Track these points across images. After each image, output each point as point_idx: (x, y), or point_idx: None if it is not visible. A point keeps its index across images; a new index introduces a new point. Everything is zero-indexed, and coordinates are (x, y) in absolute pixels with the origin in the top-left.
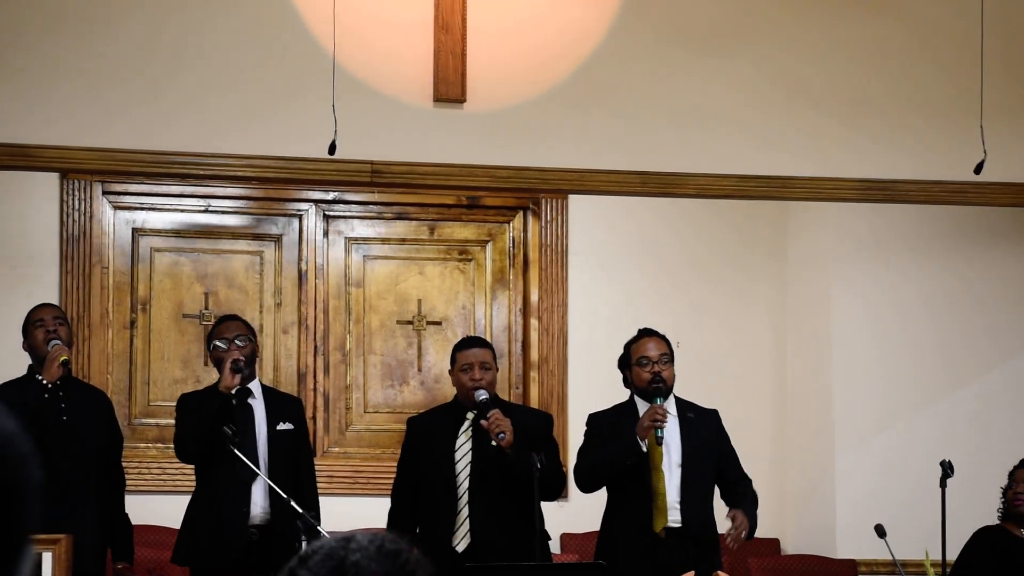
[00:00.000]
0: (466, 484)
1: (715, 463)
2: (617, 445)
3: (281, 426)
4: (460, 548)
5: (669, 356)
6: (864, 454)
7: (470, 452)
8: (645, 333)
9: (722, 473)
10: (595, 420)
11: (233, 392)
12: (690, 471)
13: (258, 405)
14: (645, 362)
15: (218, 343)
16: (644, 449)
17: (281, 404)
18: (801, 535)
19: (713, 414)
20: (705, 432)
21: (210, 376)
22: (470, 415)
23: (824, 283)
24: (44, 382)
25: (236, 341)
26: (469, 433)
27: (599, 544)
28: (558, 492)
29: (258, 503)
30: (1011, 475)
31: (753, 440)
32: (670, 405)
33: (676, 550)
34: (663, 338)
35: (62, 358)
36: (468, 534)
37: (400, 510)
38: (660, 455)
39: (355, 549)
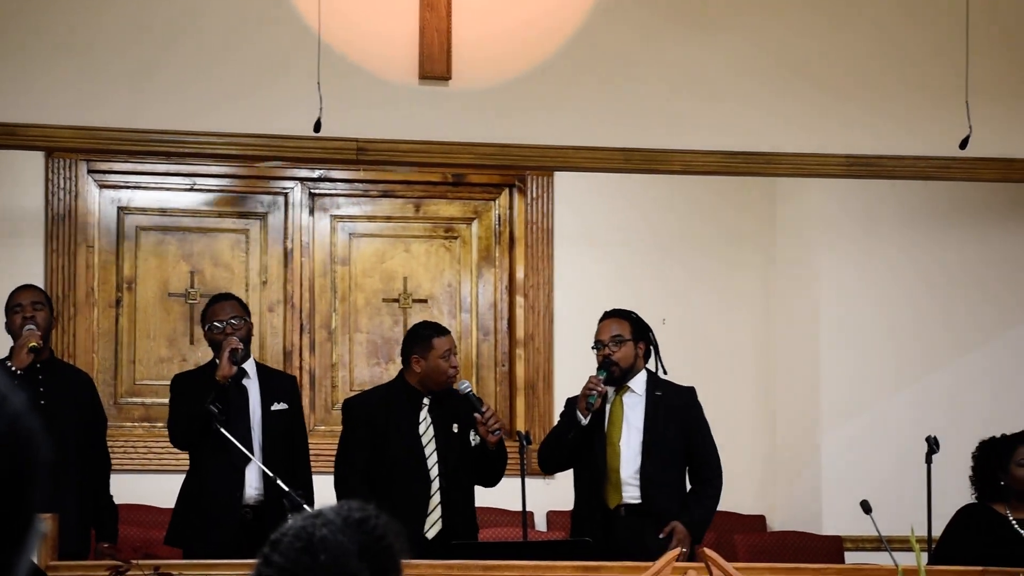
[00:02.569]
0: (436, 470)
1: (684, 442)
2: (563, 425)
3: (275, 406)
4: (431, 534)
5: (624, 337)
6: (850, 430)
7: (434, 438)
8: (605, 315)
9: (690, 453)
10: (568, 403)
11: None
12: (652, 449)
13: (252, 385)
14: (599, 346)
15: (215, 324)
16: (584, 422)
17: (275, 383)
18: (787, 511)
19: (688, 392)
20: (674, 410)
21: (195, 355)
22: (427, 400)
23: (811, 259)
24: (14, 368)
25: (231, 322)
26: (429, 419)
27: (572, 522)
28: (499, 478)
29: (252, 483)
30: (1009, 452)
31: (740, 416)
32: (638, 384)
33: (634, 528)
34: (626, 318)
35: (30, 344)
36: (440, 520)
37: (354, 492)
38: (618, 431)
39: (323, 523)
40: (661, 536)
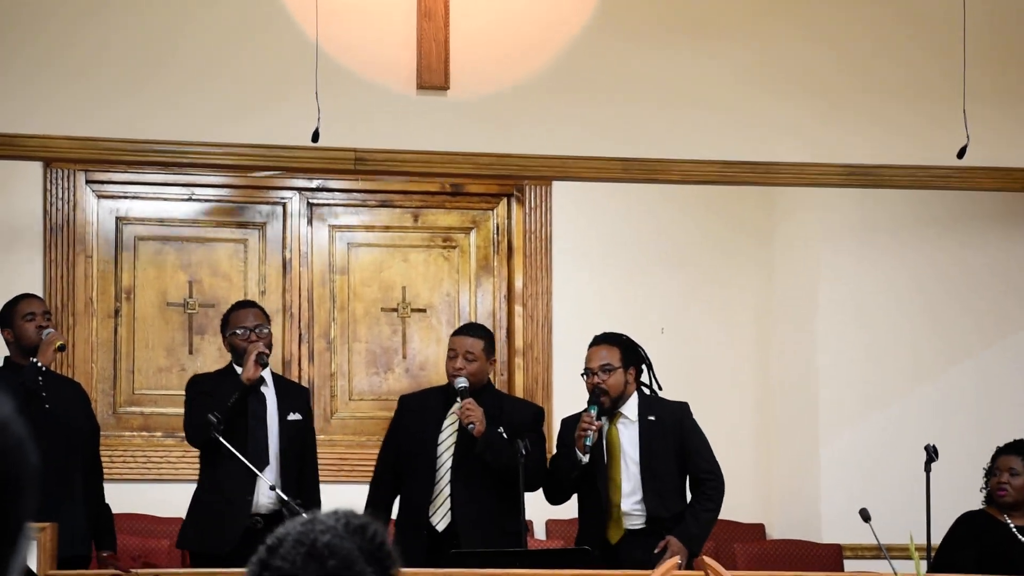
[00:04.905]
0: (448, 464)
1: (681, 459)
2: (564, 458)
3: (291, 416)
4: (440, 527)
5: (612, 366)
6: (849, 439)
7: (455, 433)
8: (594, 341)
9: (688, 468)
10: (564, 425)
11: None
12: (650, 475)
13: (270, 394)
14: (588, 373)
15: (238, 331)
16: (584, 460)
17: (291, 393)
18: (786, 520)
19: (680, 408)
20: (667, 432)
21: (194, 364)
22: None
23: (810, 269)
24: (40, 365)
25: (256, 330)
26: (456, 416)
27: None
28: (539, 484)
29: (265, 492)
30: (994, 460)
31: (738, 425)
32: (630, 409)
33: (638, 546)
34: (616, 343)
35: (59, 343)
36: (448, 513)
37: (380, 484)
38: (617, 465)
39: (323, 530)
40: (656, 551)
